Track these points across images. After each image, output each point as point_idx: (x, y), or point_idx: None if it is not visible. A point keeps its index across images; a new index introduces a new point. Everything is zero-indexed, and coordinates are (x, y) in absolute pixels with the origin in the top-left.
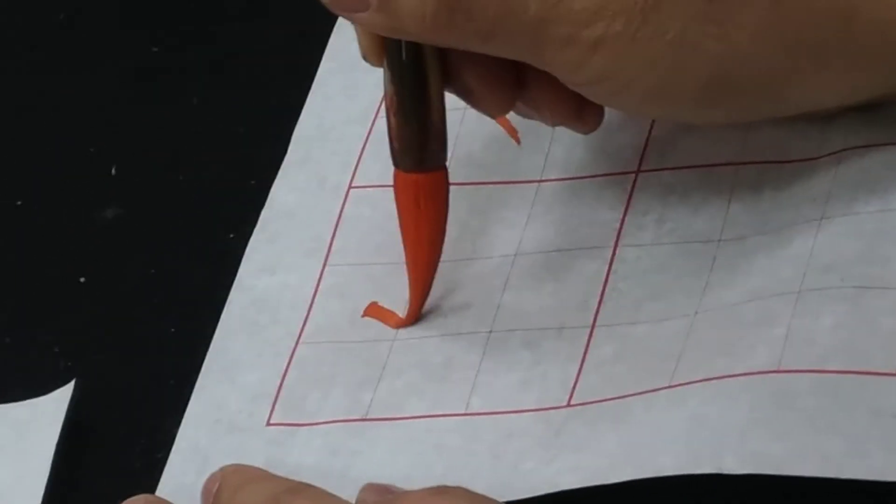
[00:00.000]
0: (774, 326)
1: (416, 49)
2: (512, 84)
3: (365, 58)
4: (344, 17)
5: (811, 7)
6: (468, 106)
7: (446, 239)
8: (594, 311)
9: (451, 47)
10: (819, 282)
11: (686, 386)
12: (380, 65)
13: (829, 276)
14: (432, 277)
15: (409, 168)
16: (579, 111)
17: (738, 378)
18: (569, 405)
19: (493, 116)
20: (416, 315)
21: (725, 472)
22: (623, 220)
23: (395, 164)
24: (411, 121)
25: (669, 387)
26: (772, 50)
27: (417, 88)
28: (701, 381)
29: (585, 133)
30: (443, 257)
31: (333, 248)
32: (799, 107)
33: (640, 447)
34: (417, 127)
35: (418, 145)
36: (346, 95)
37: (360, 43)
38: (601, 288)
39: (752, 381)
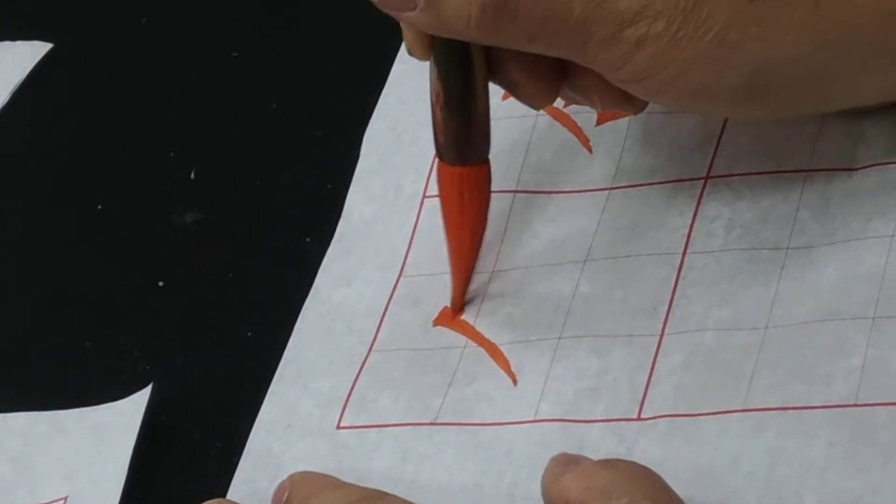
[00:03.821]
0: (851, 356)
1: (461, 44)
2: (556, 76)
3: (410, 52)
4: (392, 15)
5: (853, 7)
6: (539, 112)
7: (517, 246)
8: (663, 319)
9: (497, 46)
10: (893, 309)
11: (762, 412)
12: (425, 59)
13: None
14: (473, 267)
15: (454, 161)
16: (626, 96)
17: (816, 410)
18: (639, 418)
19: (536, 108)
20: (460, 303)
21: None
22: (692, 226)
23: (440, 157)
24: (457, 115)
25: (744, 410)
26: (813, 50)
27: (463, 83)
28: (777, 408)
29: (633, 114)
30: (514, 265)
31: (408, 260)
32: (840, 104)
33: (718, 477)
34: (463, 121)
35: (463, 140)
36: (418, 98)
37: (405, 38)
38: (670, 295)
39: (830, 414)
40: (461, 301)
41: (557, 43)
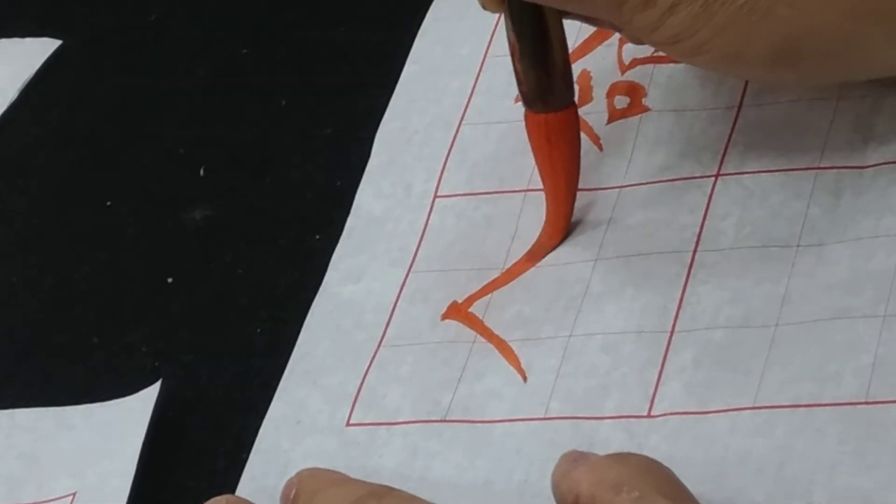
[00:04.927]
0: (861, 353)
1: None
2: None
3: (484, 7)
4: None
5: None
6: None
7: (527, 243)
8: (673, 316)
9: (539, 3)
10: None
11: (772, 410)
12: (498, 11)
13: None
14: (571, 207)
15: (538, 110)
16: None
17: (826, 408)
18: (649, 415)
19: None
20: (551, 248)
21: None
22: (703, 224)
23: (525, 105)
24: (534, 66)
25: (754, 407)
26: (842, 18)
27: (537, 34)
28: (787, 406)
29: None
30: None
31: (418, 257)
32: (870, 73)
33: (728, 474)
34: (541, 71)
35: (544, 89)
36: (429, 99)
37: None
38: (680, 292)
39: (841, 412)
40: (556, 244)
41: (593, 5)
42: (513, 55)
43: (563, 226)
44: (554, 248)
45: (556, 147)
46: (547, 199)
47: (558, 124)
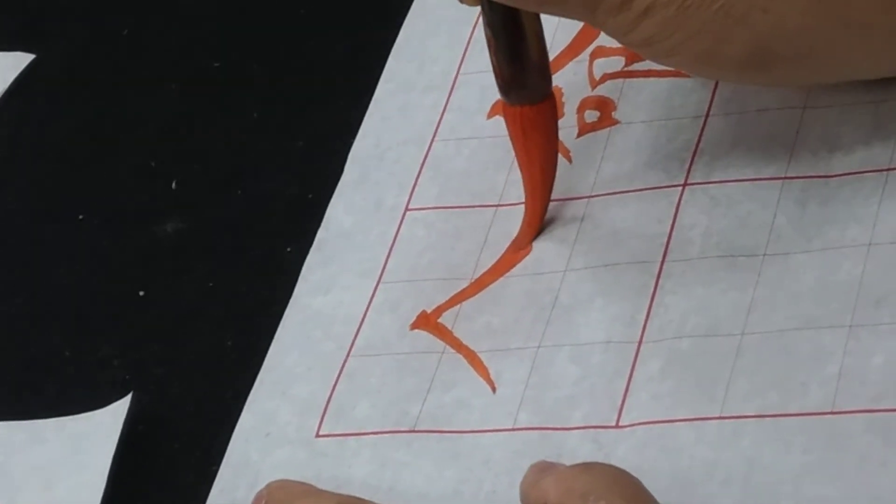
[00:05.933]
0: (827, 364)
1: None
2: None
3: (461, 0)
4: None
5: None
6: None
7: (496, 255)
8: (641, 326)
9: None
10: (869, 317)
11: (738, 420)
12: (475, 5)
13: (879, 312)
14: (547, 199)
15: (513, 102)
16: None
17: (792, 418)
18: (618, 426)
19: None
20: (533, 234)
21: None
22: (670, 235)
23: (501, 96)
24: (510, 60)
25: (720, 417)
26: (817, 24)
27: (512, 29)
28: (753, 416)
29: None
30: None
31: (387, 268)
32: (842, 76)
33: (695, 485)
34: (517, 66)
35: (519, 81)
36: (402, 116)
37: None
38: (648, 302)
39: (806, 422)
40: (532, 236)
41: (567, 9)
42: (489, 48)
43: (539, 216)
44: (533, 239)
45: (532, 139)
46: (525, 190)
47: (534, 116)
